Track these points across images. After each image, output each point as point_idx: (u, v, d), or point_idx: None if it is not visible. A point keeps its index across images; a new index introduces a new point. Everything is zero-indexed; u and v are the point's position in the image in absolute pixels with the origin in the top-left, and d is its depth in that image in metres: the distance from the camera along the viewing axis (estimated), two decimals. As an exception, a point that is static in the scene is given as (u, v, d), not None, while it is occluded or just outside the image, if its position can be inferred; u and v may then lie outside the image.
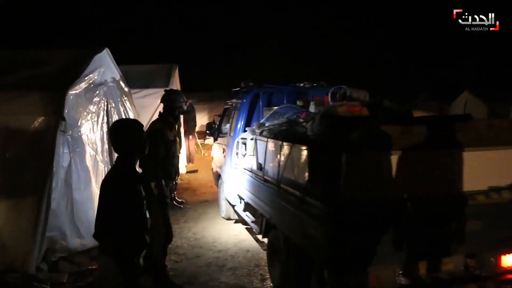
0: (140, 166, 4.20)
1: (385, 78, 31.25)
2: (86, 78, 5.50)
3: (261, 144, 4.78)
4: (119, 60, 6.88)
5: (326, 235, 3.08)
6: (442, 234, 3.24)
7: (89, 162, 5.61)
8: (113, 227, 2.58)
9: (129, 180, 2.64)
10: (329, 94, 5.06)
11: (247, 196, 5.40)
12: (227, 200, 6.75)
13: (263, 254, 5.42)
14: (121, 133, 2.73)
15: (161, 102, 4.91)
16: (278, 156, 4.10)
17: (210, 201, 8.29)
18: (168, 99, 4.84)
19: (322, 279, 3.31)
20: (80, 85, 5.35)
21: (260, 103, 6.25)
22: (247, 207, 5.77)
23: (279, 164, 4.06)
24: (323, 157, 3.27)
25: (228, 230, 6.52)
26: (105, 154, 6.08)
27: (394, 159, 3.02)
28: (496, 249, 3.44)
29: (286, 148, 3.93)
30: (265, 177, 4.52)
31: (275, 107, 5.74)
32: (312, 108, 4.75)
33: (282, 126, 4.70)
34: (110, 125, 6.21)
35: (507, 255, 3.47)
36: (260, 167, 4.83)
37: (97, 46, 6.17)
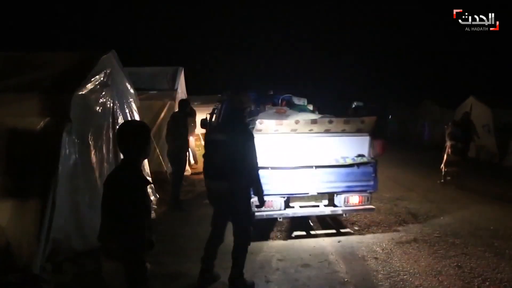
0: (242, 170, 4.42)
1: (393, 83, 31.23)
2: (92, 79, 5.53)
3: None
4: (125, 62, 6.92)
5: None
6: (312, 179, 5.96)
7: (94, 163, 5.63)
8: (119, 229, 2.56)
9: (136, 182, 2.64)
10: (279, 100, 7.69)
11: None
12: None
13: (268, 256, 5.44)
14: (129, 135, 2.73)
15: (236, 106, 4.63)
16: None
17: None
18: (242, 100, 4.65)
19: None
20: (87, 86, 5.37)
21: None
22: None
23: None
24: None
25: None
26: (110, 155, 6.10)
27: (271, 139, 5.79)
28: (346, 192, 6.07)
29: None
30: None
31: None
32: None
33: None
34: (115, 126, 6.24)
35: (352, 196, 6.10)
36: None
37: (103, 48, 6.20)
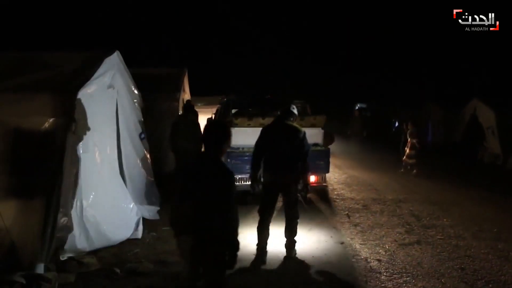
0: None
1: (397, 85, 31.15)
2: (96, 80, 5.55)
3: None
4: (130, 63, 6.94)
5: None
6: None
7: (98, 163, 5.65)
8: (219, 215, 3.08)
9: (226, 170, 3.19)
10: None
11: None
12: None
13: (270, 257, 5.44)
14: (221, 131, 3.30)
15: (291, 116, 5.64)
16: None
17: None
18: (294, 108, 5.76)
19: None
20: (91, 87, 5.39)
21: (231, 106, 9.60)
22: None
23: None
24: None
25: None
26: (115, 155, 6.13)
27: (245, 131, 7.55)
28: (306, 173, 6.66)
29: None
30: None
31: (236, 109, 9.20)
32: None
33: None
34: (119, 127, 6.26)
35: (310, 176, 7.22)
36: None
37: (108, 48, 6.23)
